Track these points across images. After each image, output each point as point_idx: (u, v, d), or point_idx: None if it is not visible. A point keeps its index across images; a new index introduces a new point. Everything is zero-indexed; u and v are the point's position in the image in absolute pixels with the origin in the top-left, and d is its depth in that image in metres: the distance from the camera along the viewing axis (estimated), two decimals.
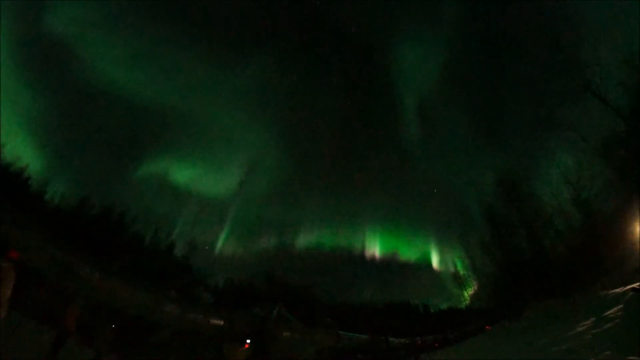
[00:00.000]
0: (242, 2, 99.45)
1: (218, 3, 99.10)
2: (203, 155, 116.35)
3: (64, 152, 73.89)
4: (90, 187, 58.63)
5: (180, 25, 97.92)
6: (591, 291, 16.50)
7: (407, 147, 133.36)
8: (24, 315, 12.47)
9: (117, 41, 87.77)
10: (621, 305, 11.48)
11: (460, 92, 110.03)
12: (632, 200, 17.88)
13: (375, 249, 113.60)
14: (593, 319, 12.48)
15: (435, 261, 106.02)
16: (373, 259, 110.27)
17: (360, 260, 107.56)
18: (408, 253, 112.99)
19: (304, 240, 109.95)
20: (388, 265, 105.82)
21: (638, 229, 16.76)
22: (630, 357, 7.56)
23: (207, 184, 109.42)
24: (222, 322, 26.93)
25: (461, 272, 41.86)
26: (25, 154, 51.74)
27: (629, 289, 12.40)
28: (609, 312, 11.98)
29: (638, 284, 12.80)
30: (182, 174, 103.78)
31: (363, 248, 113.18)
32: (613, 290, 14.34)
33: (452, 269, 51.42)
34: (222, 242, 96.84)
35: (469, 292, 41.04)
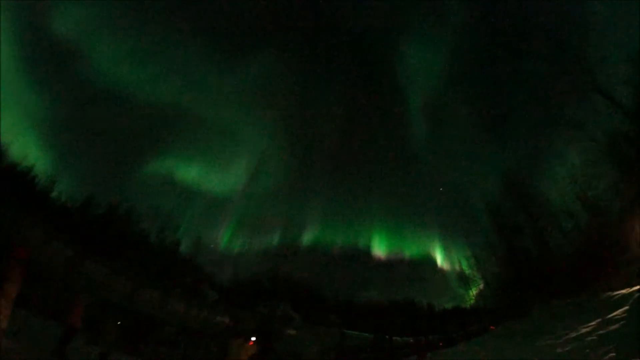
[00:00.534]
0: (247, 0, 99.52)
1: (224, 1, 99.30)
2: (208, 154, 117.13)
3: (69, 151, 74.72)
4: (96, 185, 59.36)
5: (185, 23, 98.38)
6: (596, 292, 16.37)
7: (413, 145, 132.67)
8: (31, 313, 12.68)
9: (122, 40, 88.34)
10: (626, 307, 11.40)
11: (466, 91, 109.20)
12: (639, 200, 17.67)
13: (380, 247, 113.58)
14: (598, 320, 12.37)
15: (440, 260, 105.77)
16: (378, 257, 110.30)
17: (365, 259, 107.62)
18: (413, 252, 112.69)
19: (308, 238, 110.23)
20: (393, 264, 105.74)
21: None
22: None
23: (213, 182, 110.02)
24: (227, 320, 27.27)
25: (466, 272, 41.65)
26: (31, 153, 52.42)
27: (634, 290, 12.29)
28: (614, 314, 11.88)
29: None
30: (188, 172, 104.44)
31: (368, 247, 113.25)
32: (618, 292, 14.23)
33: (457, 268, 51.33)
34: (227, 240, 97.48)
35: (473, 292, 40.81)
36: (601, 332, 11.10)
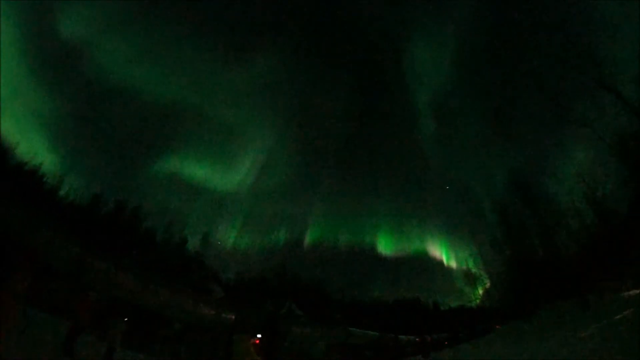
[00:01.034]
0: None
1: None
2: (215, 152, 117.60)
3: (77, 150, 75.58)
4: (104, 184, 59.90)
5: (191, 22, 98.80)
6: (603, 293, 16.20)
7: (419, 143, 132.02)
8: (39, 309, 12.89)
9: (128, 40, 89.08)
10: (633, 309, 11.27)
11: (473, 89, 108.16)
12: None
13: (385, 245, 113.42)
14: (604, 321, 12.26)
15: (445, 259, 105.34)
16: (384, 255, 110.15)
17: (371, 257, 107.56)
18: (419, 250, 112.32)
19: (314, 236, 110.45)
20: (398, 263, 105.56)
21: None
22: None
23: (220, 180, 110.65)
24: (233, 317, 27.45)
25: (472, 270, 41.37)
26: (39, 152, 53.22)
27: None
28: (620, 315, 11.76)
29: None
30: (195, 170, 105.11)
31: (373, 245, 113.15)
32: (625, 293, 14.07)
33: (463, 267, 50.96)
34: (234, 238, 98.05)
35: (479, 291, 40.54)
36: (607, 333, 11.00)
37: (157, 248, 44.09)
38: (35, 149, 53.01)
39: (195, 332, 25.35)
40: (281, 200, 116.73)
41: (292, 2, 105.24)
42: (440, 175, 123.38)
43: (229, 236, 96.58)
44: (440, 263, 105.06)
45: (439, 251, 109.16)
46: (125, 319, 12.24)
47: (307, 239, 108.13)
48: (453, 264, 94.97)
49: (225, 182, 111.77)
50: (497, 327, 30.11)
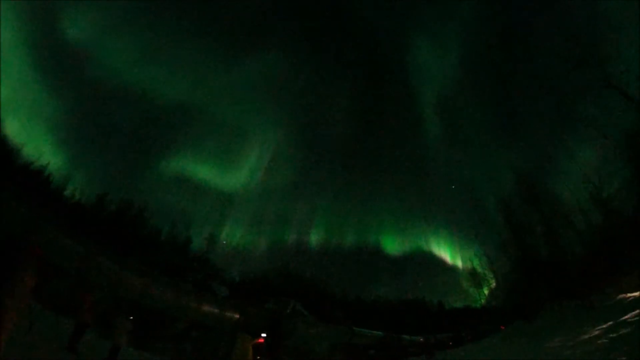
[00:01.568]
0: None
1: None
2: (220, 152, 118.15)
3: (83, 149, 76.42)
4: (109, 183, 60.61)
5: (194, 21, 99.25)
6: (609, 294, 16.05)
7: (424, 142, 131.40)
8: (44, 307, 13.05)
9: (132, 41, 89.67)
10: (639, 310, 11.15)
11: (479, 88, 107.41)
12: None
13: (390, 245, 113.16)
14: (610, 322, 12.14)
15: (450, 259, 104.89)
16: (388, 255, 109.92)
17: (376, 257, 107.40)
18: (423, 250, 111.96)
19: (319, 235, 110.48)
20: (403, 262, 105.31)
21: None
22: None
23: (224, 180, 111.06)
24: (237, 316, 27.52)
25: (477, 271, 41.21)
26: (45, 152, 53.84)
27: None
28: (626, 316, 11.65)
29: None
30: (199, 170, 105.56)
31: (378, 244, 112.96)
32: (631, 294, 13.92)
33: (468, 267, 50.77)
34: (238, 237, 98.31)
35: (484, 291, 40.39)
36: (612, 335, 10.89)
37: (161, 247, 44.36)
38: (40, 149, 53.80)
39: (199, 330, 25.47)
40: (286, 200, 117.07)
41: (296, 1, 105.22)
42: (445, 175, 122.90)
43: (233, 235, 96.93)
44: (445, 263, 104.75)
45: (444, 251, 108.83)
46: (130, 317, 12.36)
47: (312, 239, 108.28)
48: (458, 264, 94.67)
49: (230, 181, 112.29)
50: (502, 327, 29.95)
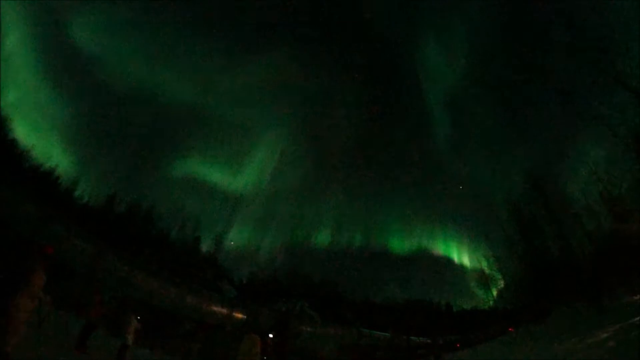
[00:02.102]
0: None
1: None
2: (229, 154, 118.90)
3: (92, 151, 77.53)
4: (118, 184, 61.38)
5: (205, 24, 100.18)
6: (618, 296, 15.79)
7: (433, 143, 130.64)
8: (53, 306, 13.28)
9: (141, 44, 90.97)
10: None
11: (487, 88, 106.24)
12: None
13: (398, 246, 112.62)
14: (619, 325, 11.96)
15: (458, 259, 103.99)
16: (396, 256, 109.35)
17: (383, 258, 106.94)
18: (432, 250, 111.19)
19: (327, 236, 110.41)
20: (411, 263, 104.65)
21: None
22: None
23: (233, 181, 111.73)
24: (245, 316, 27.72)
25: (486, 272, 40.74)
26: (55, 154, 54.96)
27: None
28: (636, 318, 11.45)
29: None
30: (208, 172, 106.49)
31: (386, 245, 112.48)
32: None
33: (476, 268, 50.22)
34: (247, 238, 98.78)
35: (493, 293, 39.88)
36: (621, 338, 10.73)
37: (170, 248, 44.86)
38: (50, 151, 55.00)
39: (207, 330, 25.71)
40: (294, 201, 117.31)
41: (305, 4, 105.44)
42: (454, 175, 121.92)
43: (241, 236, 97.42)
44: (453, 264, 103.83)
45: (452, 252, 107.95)
46: (139, 317, 12.51)
47: (320, 240, 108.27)
48: (466, 265, 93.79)
49: (238, 183, 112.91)
50: (510, 329, 29.63)
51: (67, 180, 47.00)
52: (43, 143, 60.13)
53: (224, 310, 26.36)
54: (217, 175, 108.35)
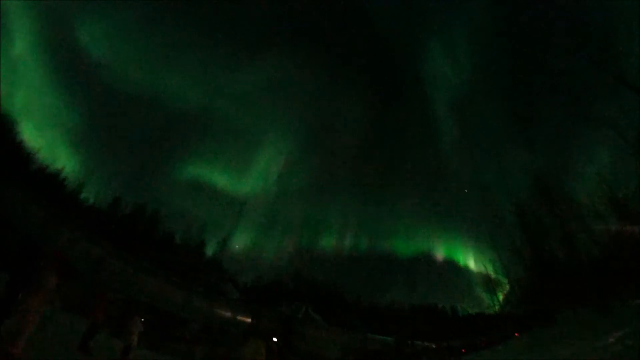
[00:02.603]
0: (273, 2, 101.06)
1: (248, 3, 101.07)
2: (234, 157, 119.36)
3: (98, 154, 78.28)
4: (124, 187, 61.91)
5: (211, 28, 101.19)
6: (626, 300, 15.57)
7: (438, 146, 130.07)
8: (58, 308, 13.40)
9: (147, 47, 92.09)
10: None
11: (492, 90, 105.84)
12: None
13: (403, 250, 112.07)
14: (626, 329, 11.80)
15: (464, 263, 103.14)
16: (401, 260, 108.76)
17: (389, 261, 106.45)
18: (437, 255, 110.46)
19: (332, 240, 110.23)
20: (416, 267, 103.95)
21: None
22: None
23: (238, 185, 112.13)
24: (249, 319, 27.74)
25: (492, 276, 40.39)
26: (61, 156, 55.64)
27: None
28: None
29: None
30: (214, 175, 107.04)
31: (391, 249, 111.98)
32: None
33: (482, 272, 49.80)
34: (251, 241, 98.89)
35: (498, 297, 39.50)
36: (628, 342, 10.59)
37: (175, 250, 45.08)
38: (57, 154, 55.73)
39: (211, 333, 25.75)
40: (299, 204, 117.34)
41: (309, 6, 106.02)
42: (459, 179, 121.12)
43: (246, 240, 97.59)
44: (459, 268, 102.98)
45: (458, 256, 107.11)
46: (142, 319, 12.59)
47: (325, 243, 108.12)
48: (472, 269, 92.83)
49: (243, 186, 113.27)
50: (516, 334, 29.33)
51: (73, 182, 47.50)
52: (50, 145, 61.03)
53: (229, 314, 26.42)
54: (222, 179, 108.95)
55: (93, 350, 10.27)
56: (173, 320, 23.82)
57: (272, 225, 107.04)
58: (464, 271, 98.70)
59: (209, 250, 58.99)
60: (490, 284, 40.54)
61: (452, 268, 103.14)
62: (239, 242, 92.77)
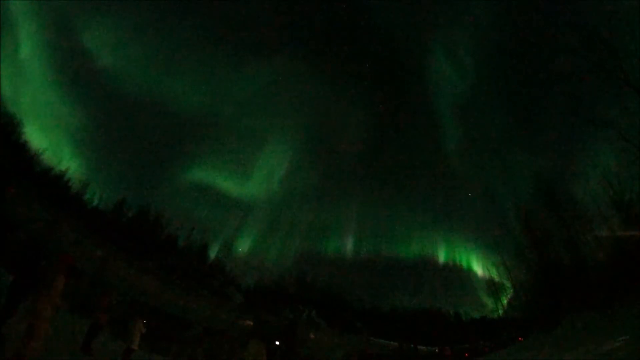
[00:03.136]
0: (276, 5, 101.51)
1: (252, 5, 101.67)
2: (237, 160, 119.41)
3: (102, 157, 78.51)
4: (128, 190, 61.99)
5: (217, 33, 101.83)
6: (631, 304, 15.39)
7: (442, 149, 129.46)
8: (61, 308, 13.45)
9: (151, 50, 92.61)
10: None
11: (496, 93, 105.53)
12: None
13: (407, 254, 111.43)
14: (631, 334, 11.65)
15: (468, 267, 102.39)
16: (404, 264, 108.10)
17: (392, 265, 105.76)
18: (441, 259, 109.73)
19: (335, 244, 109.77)
20: (420, 271, 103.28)
21: None
22: None
23: (242, 188, 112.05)
24: (252, 322, 27.76)
25: (496, 280, 40.14)
26: (66, 158, 55.83)
27: None
28: None
29: None
30: (217, 179, 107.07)
31: (395, 252, 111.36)
32: None
33: (486, 277, 49.53)
34: (254, 245, 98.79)
35: (502, 301, 39.20)
36: (632, 347, 10.46)
37: (178, 253, 45.17)
38: (61, 155, 55.91)
39: (214, 336, 25.76)
40: (302, 208, 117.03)
41: (310, 7, 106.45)
42: (463, 182, 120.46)
43: (249, 243, 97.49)
44: (463, 272, 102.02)
45: (462, 260, 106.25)
46: (145, 320, 12.61)
47: (328, 247, 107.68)
48: (475, 273, 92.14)
49: (246, 190, 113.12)
50: (520, 339, 29.06)
51: (77, 184, 47.71)
52: (55, 147, 61.14)
53: (231, 317, 26.48)
54: (226, 182, 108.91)
55: (95, 351, 10.30)
56: (175, 322, 23.87)
57: (275, 229, 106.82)
58: (468, 275, 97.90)
59: (212, 253, 59.05)
60: (494, 288, 40.29)
61: (456, 272, 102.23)
62: (242, 245, 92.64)
